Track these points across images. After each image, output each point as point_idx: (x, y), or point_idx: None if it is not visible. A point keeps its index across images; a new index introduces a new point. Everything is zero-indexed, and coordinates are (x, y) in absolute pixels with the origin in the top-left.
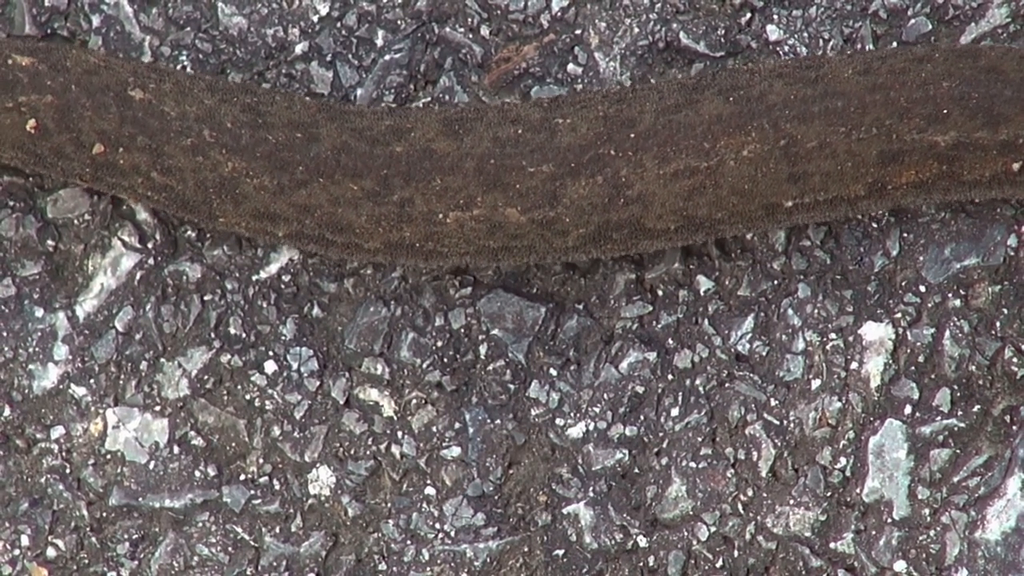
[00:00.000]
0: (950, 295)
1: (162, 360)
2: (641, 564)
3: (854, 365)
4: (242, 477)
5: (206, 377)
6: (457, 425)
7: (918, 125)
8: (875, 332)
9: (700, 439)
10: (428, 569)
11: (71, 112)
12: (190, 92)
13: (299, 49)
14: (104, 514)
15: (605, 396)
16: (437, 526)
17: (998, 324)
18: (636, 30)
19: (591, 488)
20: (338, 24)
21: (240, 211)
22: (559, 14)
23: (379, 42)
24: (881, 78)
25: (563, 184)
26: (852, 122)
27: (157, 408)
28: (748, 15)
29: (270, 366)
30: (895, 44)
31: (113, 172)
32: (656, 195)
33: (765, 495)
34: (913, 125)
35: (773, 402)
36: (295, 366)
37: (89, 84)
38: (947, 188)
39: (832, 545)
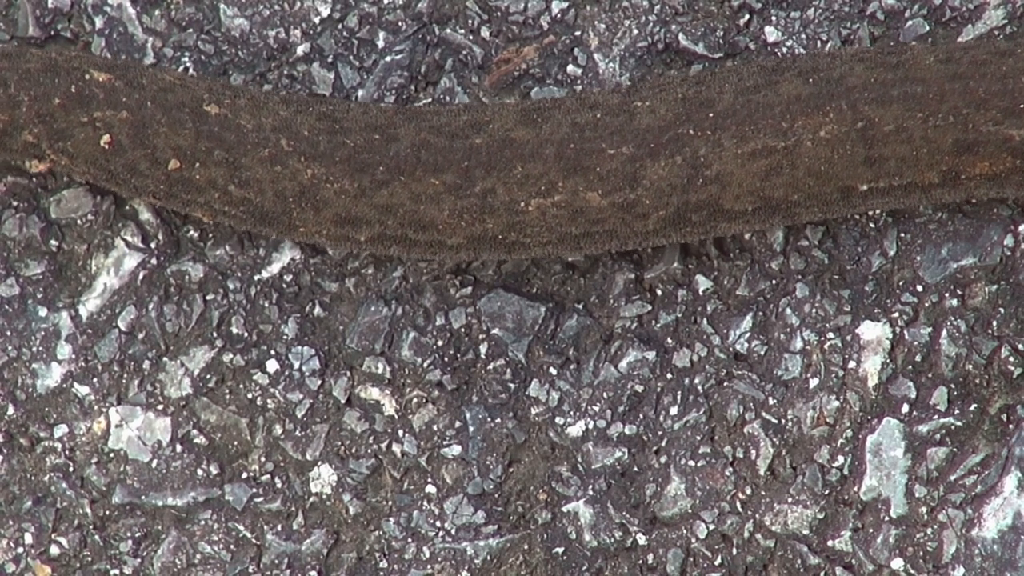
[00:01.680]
0: (947, 295)
1: (165, 359)
2: (640, 562)
3: (852, 364)
4: (244, 475)
5: (208, 376)
6: (457, 424)
7: (994, 117)
8: (873, 331)
9: (699, 438)
10: (429, 567)
11: (146, 128)
12: (265, 105)
13: (301, 50)
14: (107, 512)
15: (604, 395)
16: (438, 524)
17: (995, 323)
18: (635, 32)
19: (591, 486)
20: (339, 25)
21: (321, 218)
22: (559, 16)
23: (380, 43)
24: (962, 68)
25: (643, 165)
26: (929, 108)
27: (160, 407)
28: (747, 17)
29: (272, 365)
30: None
31: (188, 188)
32: (734, 175)
33: (763, 493)
34: (989, 117)
35: (771, 401)
36: (297, 365)
37: (164, 101)
38: (1020, 183)
39: (830, 543)
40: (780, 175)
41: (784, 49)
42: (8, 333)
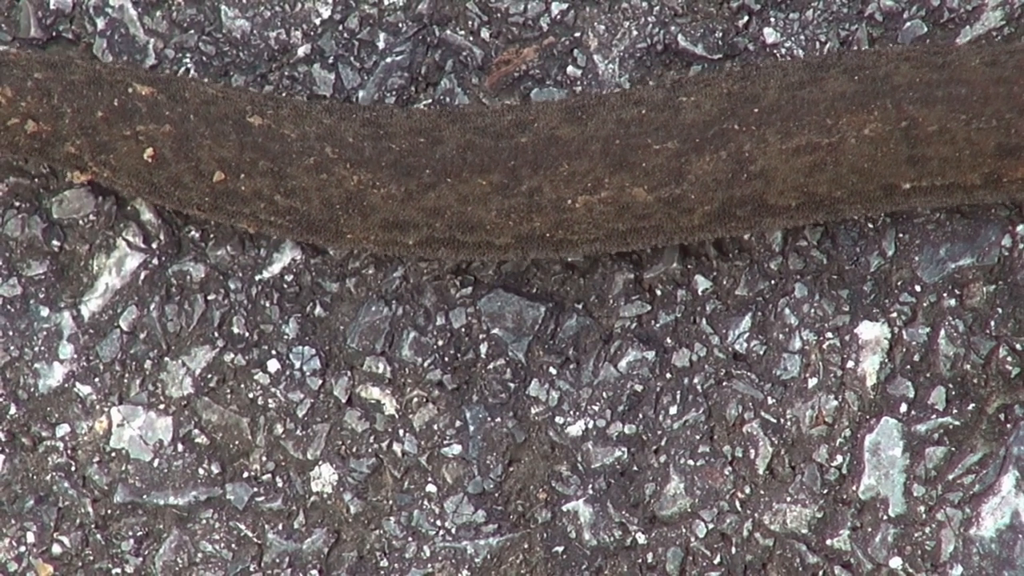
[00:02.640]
0: (945, 295)
1: (166, 359)
2: (640, 561)
3: (850, 364)
4: (245, 475)
5: (210, 376)
6: (458, 423)
7: None
8: (871, 331)
9: (698, 437)
10: (429, 566)
11: (190, 141)
12: (308, 114)
13: (301, 52)
14: (109, 511)
15: (604, 394)
16: (438, 523)
17: (992, 323)
18: (635, 33)
19: (590, 485)
20: (340, 27)
21: (368, 224)
22: (559, 17)
23: (381, 45)
24: (1007, 72)
25: (688, 160)
26: (973, 111)
27: (161, 406)
28: (745, 18)
29: (273, 365)
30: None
31: (234, 199)
32: (778, 170)
33: (762, 492)
34: None
35: (770, 400)
36: (297, 365)
37: (207, 113)
38: None
39: (828, 542)
40: (824, 171)
41: (783, 50)
42: (10, 333)
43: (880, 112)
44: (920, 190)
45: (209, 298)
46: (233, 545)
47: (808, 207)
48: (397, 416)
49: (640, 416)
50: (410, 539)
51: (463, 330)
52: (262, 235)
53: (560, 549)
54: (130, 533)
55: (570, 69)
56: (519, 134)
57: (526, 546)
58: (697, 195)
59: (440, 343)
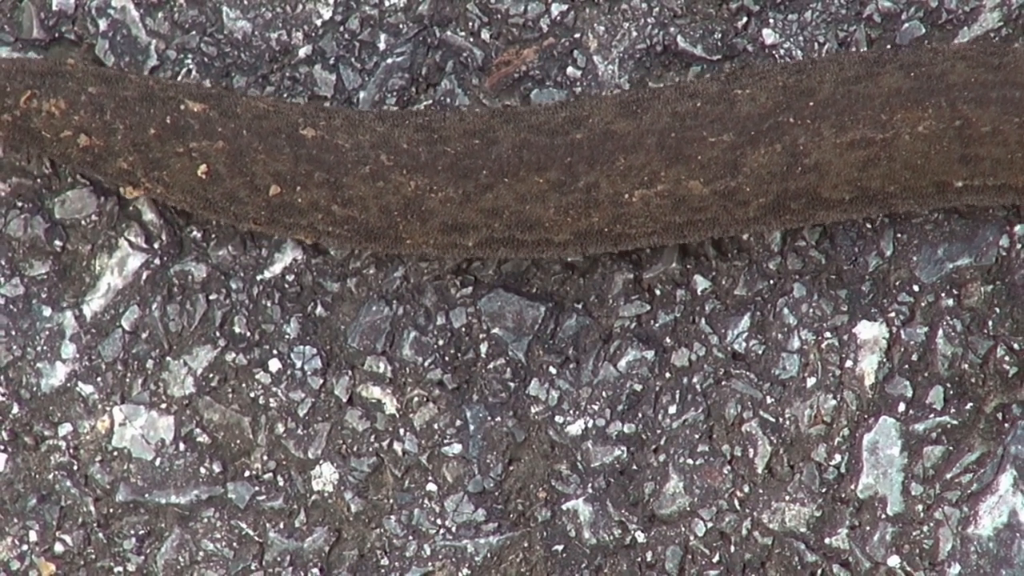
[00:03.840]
0: (943, 295)
1: (168, 358)
2: (639, 559)
3: (849, 363)
4: (247, 474)
5: (211, 375)
6: (458, 422)
7: None
8: (869, 331)
9: (697, 436)
10: (429, 564)
11: (243, 156)
12: (360, 123)
13: (303, 53)
14: (111, 510)
15: (604, 394)
16: (438, 522)
17: (990, 323)
18: (634, 34)
19: (590, 484)
20: (341, 28)
21: (427, 228)
22: (558, 18)
23: (381, 46)
24: None
25: (743, 153)
26: None
27: (163, 406)
28: (744, 19)
29: (274, 364)
30: (889, 46)
31: (291, 212)
32: (832, 164)
33: (761, 491)
34: None
35: (769, 400)
36: (299, 364)
37: (260, 128)
38: None
39: (827, 540)
40: (877, 166)
41: (782, 51)
42: (13, 333)
43: (934, 110)
44: (972, 189)
45: (211, 298)
46: (234, 544)
47: (861, 201)
48: (398, 415)
49: (639, 415)
50: (411, 538)
51: (463, 330)
52: (263, 235)
53: (560, 548)
54: (132, 532)
55: (570, 70)
56: (574, 130)
57: (526, 545)
58: (752, 188)
59: (440, 343)
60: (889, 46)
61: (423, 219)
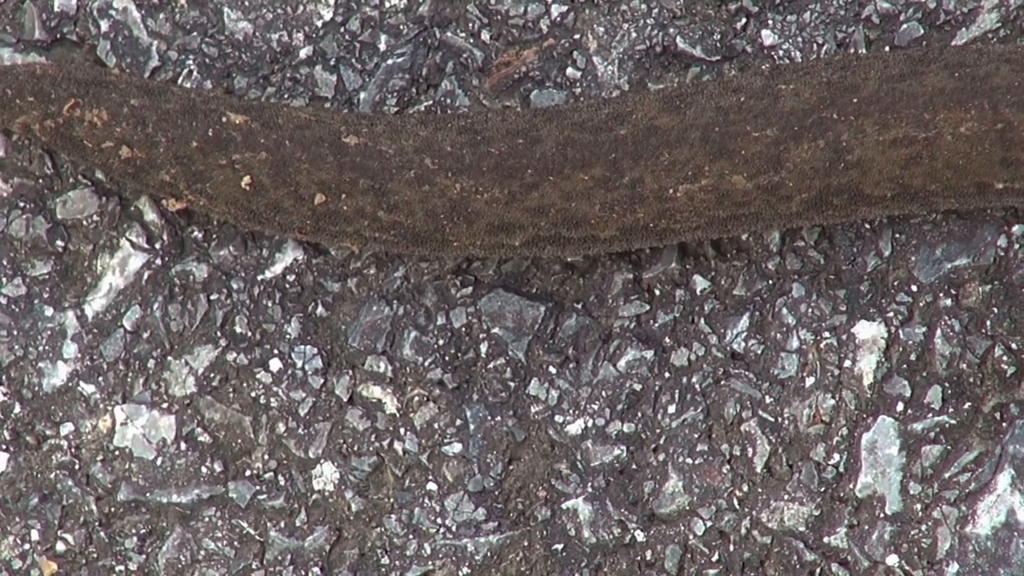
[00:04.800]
0: (941, 295)
1: (169, 358)
2: (638, 558)
3: (847, 363)
4: (247, 473)
5: (212, 375)
6: (458, 422)
7: None
8: (868, 331)
9: (696, 436)
10: (430, 563)
11: (287, 167)
12: (403, 128)
13: (303, 53)
14: (112, 509)
15: (603, 393)
16: (439, 521)
17: (988, 323)
18: (634, 35)
19: (589, 484)
20: (342, 29)
21: (474, 230)
22: (558, 19)
23: (382, 47)
24: None
25: (786, 148)
26: None
27: (164, 405)
28: (743, 20)
29: (275, 364)
30: (887, 48)
31: (336, 220)
32: (874, 161)
33: (760, 491)
34: None
35: (768, 399)
36: (299, 364)
37: (302, 138)
38: None
39: (826, 539)
40: (919, 165)
41: (780, 52)
42: (15, 332)
43: (977, 112)
44: (1012, 191)
45: (212, 298)
46: (235, 543)
47: (903, 198)
48: (398, 415)
49: (639, 415)
50: (411, 537)
51: (463, 329)
52: (264, 235)
53: (560, 547)
54: (133, 531)
55: (569, 71)
56: (618, 126)
57: (526, 544)
58: (795, 183)
59: (441, 342)
60: (930, 45)
61: (469, 221)
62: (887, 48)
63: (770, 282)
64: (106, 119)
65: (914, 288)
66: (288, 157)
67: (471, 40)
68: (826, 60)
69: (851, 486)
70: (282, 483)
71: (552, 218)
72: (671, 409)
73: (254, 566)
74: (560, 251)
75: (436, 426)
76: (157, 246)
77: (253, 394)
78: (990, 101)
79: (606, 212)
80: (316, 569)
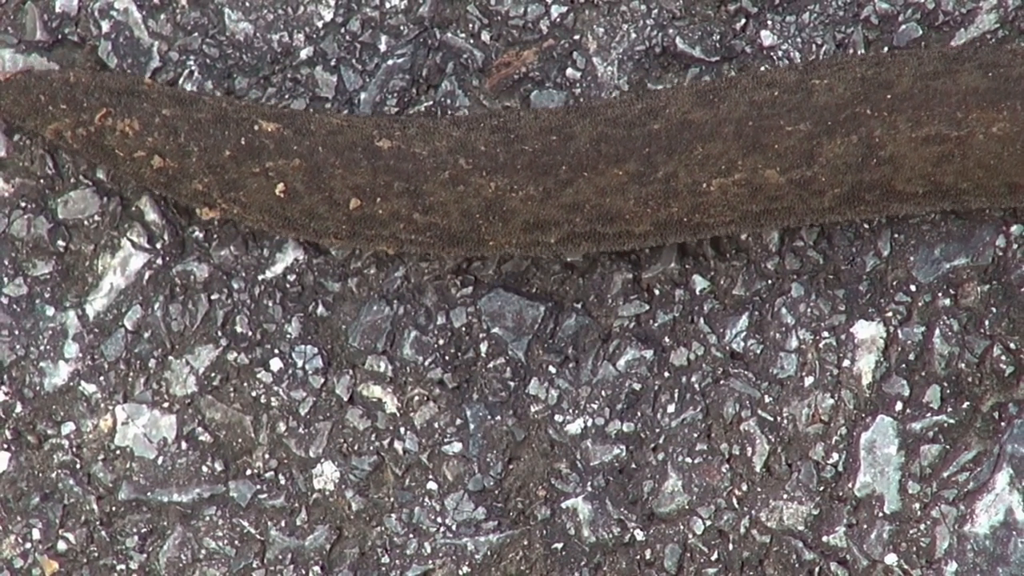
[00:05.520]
0: (940, 294)
1: (170, 358)
2: (638, 557)
3: (846, 363)
4: (248, 472)
5: (213, 374)
6: (458, 421)
7: None
8: (867, 330)
9: (696, 435)
10: (430, 562)
11: (321, 172)
12: (436, 130)
13: (304, 54)
14: (113, 508)
15: (603, 393)
16: (439, 520)
17: (987, 323)
18: (633, 35)
19: (589, 483)
20: (342, 29)
21: (510, 228)
22: (558, 20)
23: (382, 47)
24: None
25: (819, 143)
26: None
27: (165, 405)
28: (743, 21)
29: (276, 364)
30: (885, 48)
31: (372, 224)
32: (907, 158)
33: (759, 490)
34: None
35: (767, 399)
36: (300, 364)
37: (335, 143)
38: None
39: (824, 539)
40: (951, 163)
41: (779, 53)
42: (16, 332)
43: (1009, 112)
44: None
45: (212, 297)
46: (236, 542)
47: (934, 196)
48: (398, 414)
49: (638, 414)
50: (411, 536)
51: (463, 329)
52: (265, 235)
53: (559, 546)
54: (134, 530)
55: (569, 71)
56: (651, 121)
57: (526, 543)
58: (827, 177)
59: (441, 342)
60: (965, 44)
61: (505, 219)
62: (922, 45)
63: (769, 282)
64: (138, 129)
65: (913, 288)
66: (322, 163)
67: (471, 41)
68: (861, 56)
69: (850, 485)
70: (283, 482)
71: (587, 214)
72: (670, 408)
73: (255, 565)
74: (595, 247)
75: (436, 425)
76: (158, 246)
77: (254, 393)
78: (1022, 102)
79: (640, 207)
80: (317, 568)
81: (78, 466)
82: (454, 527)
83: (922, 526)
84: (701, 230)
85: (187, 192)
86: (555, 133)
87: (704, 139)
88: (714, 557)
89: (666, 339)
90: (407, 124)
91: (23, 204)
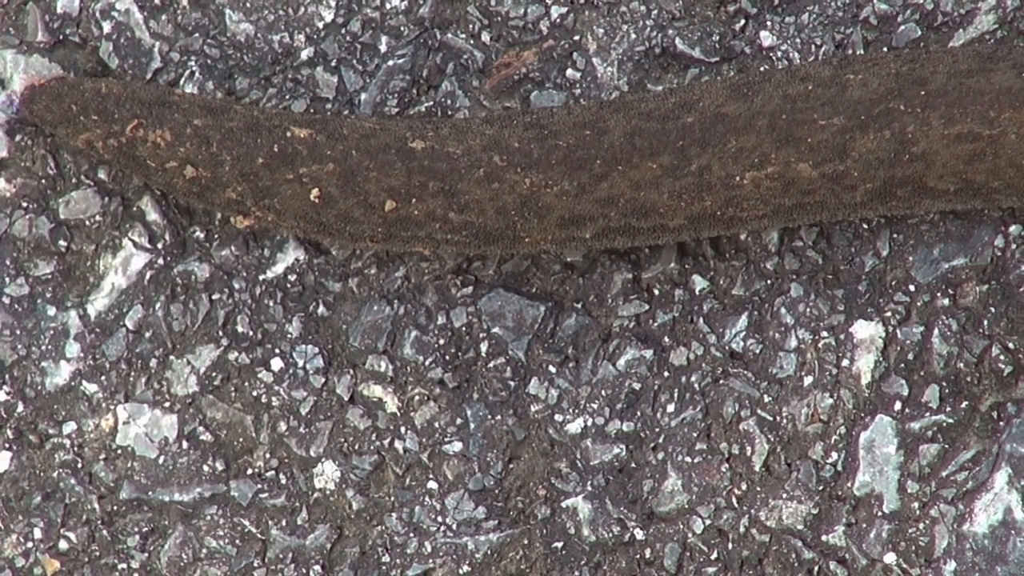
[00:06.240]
0: (939, 294)
1: (171, 357)
2: (638, 556)
3: (845, 362)
4: (249, 471)
5: (214, 374)
6: (459, 421)
7: None
8: (866, 330)
9: (695, 434)
10: (430, 561)
11: (355, 176)
12: (469, 129)
13: (305, 55)
14: (115, 507)
15: (603, 392)
16: (439, 519)
17: (985, 322)
18: (633, 36)
19: (589, 482)
20: (343, 30)
21: (545, 224)
22: (558, 21)
23: (383, 48)
24: None
25: (852, 137)
26: None
27: (166, 404)
28: (742, 21)
29: (276, 363)
30: (885, 49)
31: (408, 225)
32: (939, 155)
33: (759, 489)
34: None
35: (766, 398)
36: (301, 363)
37: (368, 146)
38: None
39: (824, 538)
40: (983, 161)
41: (779, 53)
42: (18, 332)
43: None
44: None
45: (214, 297)
46: (237, 541)
47: (966, 193)
48: (399, 414)
49: (638, 414)
50: (411, 535)
51: (464, 329)
52: (266, 235)
53: (559, 545)
54: (136, 529)
55: (569, 72)
56: (685, 114)
57: (526, 542)
58: (860, 172)
59: (441, 342)
60: (1001, 42)
61: (540, 215)
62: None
63: (768, 282)
64: (169, 139)
65: (912, 288)
66: (356, 166)
67: (471, 41)
68: (895, 52)
69: (849, 484)
70: (283, 482)
71: (621, 208)
72: (670, 408)
73: (256, 564)
74: (630, 241)
75: (436, 425)
76: (159, 246)
77: (255, 393)
78: None
79: (674, 200)
80: (317, 567)
81: (79, 465)
82: (454, 526)
83: (921, 525)
84: (734, 224)
85: (221, 201)
86: (589, 128)
87: (737, 132)
88: (714, 556)
89: (666, 339)
90: (440, 124)
91: (25, 204)
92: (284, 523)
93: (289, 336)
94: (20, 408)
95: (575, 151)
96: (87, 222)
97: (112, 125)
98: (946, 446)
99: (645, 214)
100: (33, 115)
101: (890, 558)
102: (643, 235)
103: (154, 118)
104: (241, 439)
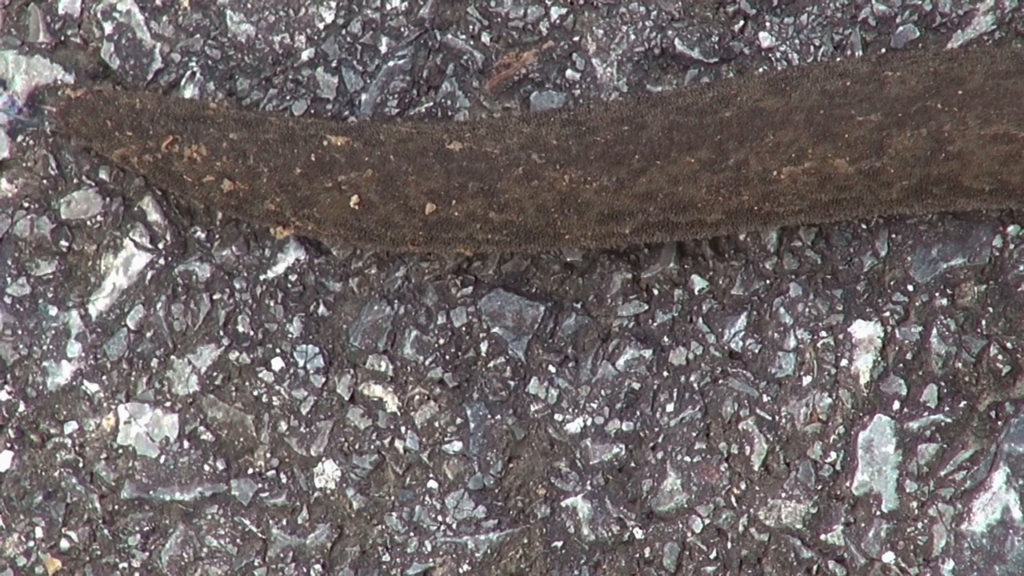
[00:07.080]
0: (937, 294)
1: (172, 357)
2: (637, 556)
3: (844, 362)
4: (250, 471)
5: (215, 374)
6: (459, 420)
7: None
8: (864, 330)
9: (694, 434)
10: (430, 560)
11: (394, 181)
12: (505, 128)
13: (305, 55)
14: (116, 507)
15: (602, 392)
16: (439, 518)
17: (984, 322)
18: (632, 37)
19: (589, 482)
20: (343, 31)
21: (585, 220)
22: (558, 22)
23: (383, 49)
24: None
25: (889, 134)
26: None
27: (167, 404)
28: (741, 22)
29: (277, 363)
30: (883, 50)
31: (448, 227)
32: (974, 155)
33: (757, 488)
34: None
35: (765, 398)
36: (301, 363)
37: (406, 151)
38: None
39: (822, 537)
40: (1018, 163)
41: (778, 54)
42: (19, 332)
43: None
44: None
45: (214, 297)
46: (238, 540)
47: (1000, 194)
48: (399, 413)
49: (638, 413)
50: (412, 534)
51: (464, 329)
52: (266, 235)
53: (559, 544)
54: (137, 528)
55: (569, 72)
56: (723, 109)
57: (525, 541)
58: (896, 170)
59: (441, 342)
60: None
61: (580, 212)
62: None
63: (767, 282)
64: (206, 154)
65: (910, 288)
66: (394, 171)
67: (471, 42)
68: (934, 50)
69: (848, 484)
70: (284, 481)
71: (660, 203)
72: (669, 408)
73: (256, 563)
74: (669, 236)
75: (437, 424)
76: (160, 246)
77: (255, 393)
78: None
79: (712, 195)
80: (318, 566)
81: (81, 465)
82: (454, 525)
83: (919, 524)
84: (772, 220)
85: (259, 213)
86: (627, 123)
87: (775, 127)
88: (713, 555)
89: (665, 339)
90: (476, 125)
91: (26, 204)
92: (285, 522)
93: (290, 336)
94: (22, 408)
95: (613, 146)
96: (88, 222)
97: (147, 141)
98: (944, 446)
99: (683, 209)
100: (69, 127)
101: (888, 557)
102: (681, 230)
103: (189, 133)
104: (242, 439)
